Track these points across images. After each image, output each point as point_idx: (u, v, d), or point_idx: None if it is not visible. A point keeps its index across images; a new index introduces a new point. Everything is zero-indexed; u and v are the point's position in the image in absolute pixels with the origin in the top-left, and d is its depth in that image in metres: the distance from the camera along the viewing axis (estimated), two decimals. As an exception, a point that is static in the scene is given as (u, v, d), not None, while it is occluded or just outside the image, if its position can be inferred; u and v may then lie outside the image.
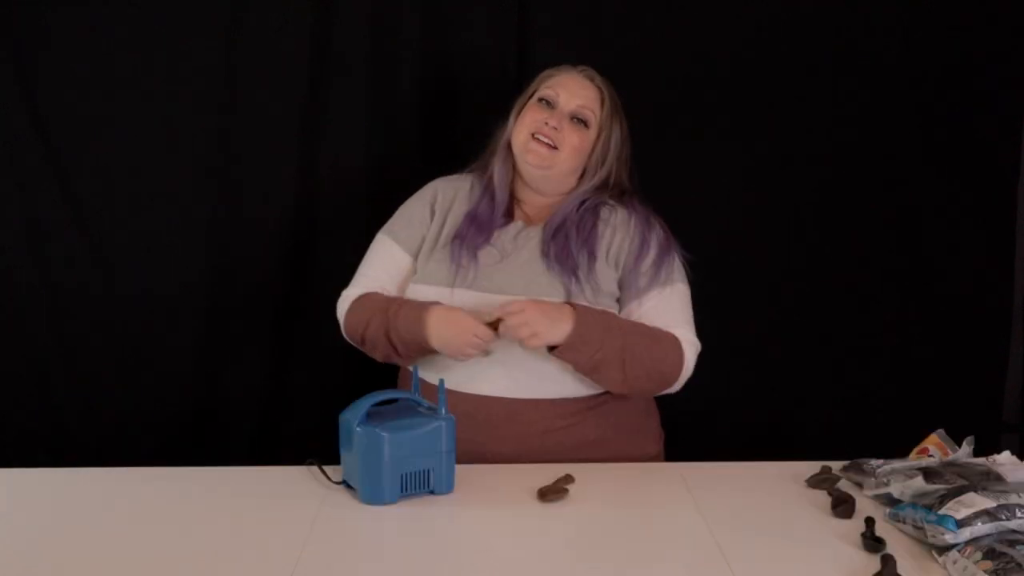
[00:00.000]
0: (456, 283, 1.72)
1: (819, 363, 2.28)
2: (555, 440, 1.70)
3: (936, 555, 1.31)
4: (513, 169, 1.83)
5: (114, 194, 2.13)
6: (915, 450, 1.64)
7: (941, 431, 1.65)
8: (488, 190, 1.82)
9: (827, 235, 2.25)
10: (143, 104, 2.10)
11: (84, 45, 2.08)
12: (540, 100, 1.80)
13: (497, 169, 1.82)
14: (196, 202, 2.15)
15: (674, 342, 1.72)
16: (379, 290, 1.79)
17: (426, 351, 1.69)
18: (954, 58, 2.21)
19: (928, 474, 1.43)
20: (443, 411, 1.53)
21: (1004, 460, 1.49)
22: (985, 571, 1.21)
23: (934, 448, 1.62)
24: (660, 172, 2.19)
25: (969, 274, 2.28)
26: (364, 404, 1.53)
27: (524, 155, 1.78)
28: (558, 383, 1.70)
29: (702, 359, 2.26)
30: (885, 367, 2.29)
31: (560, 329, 1.62)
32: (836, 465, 1.64)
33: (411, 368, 1.65)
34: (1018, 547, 1.24)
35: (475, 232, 1.76)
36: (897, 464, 1.54)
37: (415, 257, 1.81)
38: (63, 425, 2.18)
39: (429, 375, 1.69)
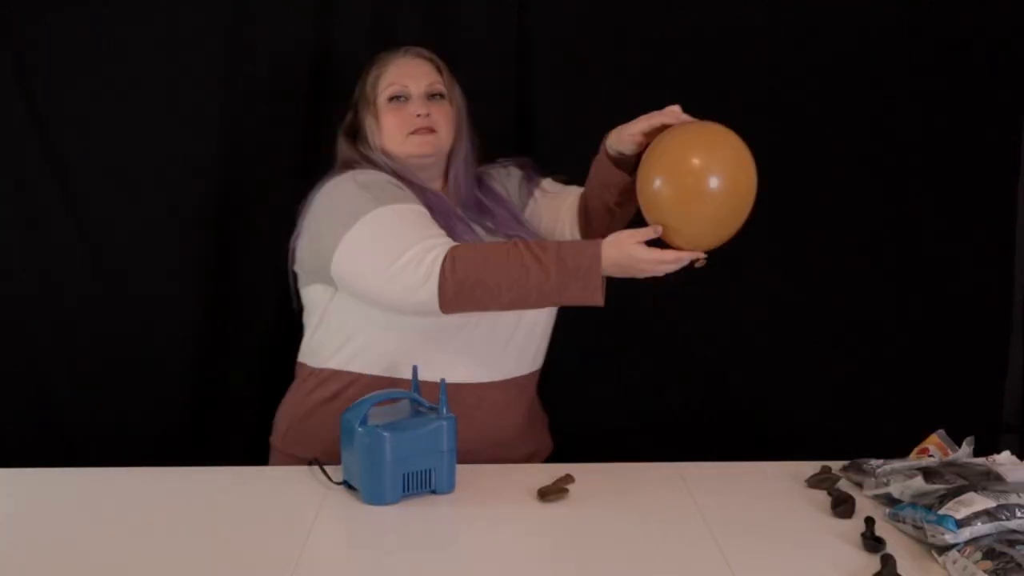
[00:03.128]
0: None
1: (819, 363, 2.28)
2: (524, 416, 1.80)
3: (936, 555, 1.31)
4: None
5: (114, 194, 2.12)
6: (915, 450, 1.64)
7: (941, 431, 1.65)
8: (409, 184, 1.76)
9: (827, 235, 2.25)
10: (143, 104, 2.10)
11: (84, 45, 2.07)
12: (391, 99, 1.78)
13: (402, 171, 1.77)
14: (196, 202, 2.15)
15: None
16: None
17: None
18: (954, 58, 2.21)
19: (928, 474, 1.43)
20: (444, 411, 1.53)
21: (1004, 460, 1.49)
22: (985, 571, 1.21)
23: (934, 448, 1.62)
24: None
25: (969, 274, 2.28)
26: (365, 404, 1.53)
27: (411, 151, 1.77)
28: (517, 363, 1.77)
29: (702, 359, 2.27)
30: (885, 367, 2.29)
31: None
32: (836, 465, 1.64)
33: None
34: (1018, 547, 1.24)
35: (455, 220, 1.76)
36: (897, 464, 1.54)
37: None
38: (63, 425, 2.18)
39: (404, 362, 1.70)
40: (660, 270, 1.55)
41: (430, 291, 1.57)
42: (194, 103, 2.11)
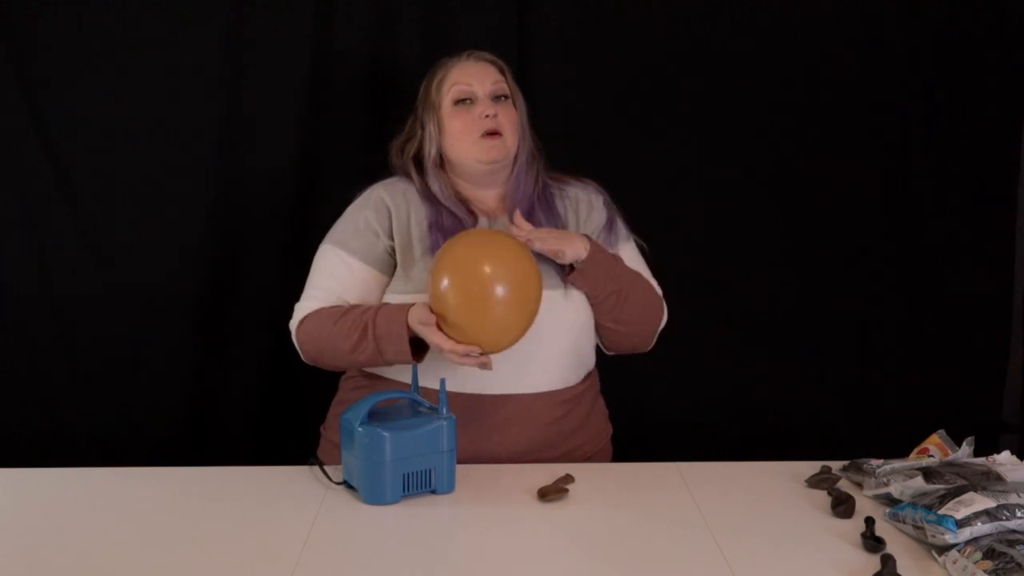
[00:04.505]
0: None
1: (819, 363, 2.28)
2: (556, 430, 1.71)
3: (936, 555, 1.31)
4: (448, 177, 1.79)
5: (114, 194, 2.12)
6: (915, 450, 1.64)
7: (941, 431, 1.65)
8: (433, 201, 1.75)
9: (827, 235, 2.25)
10: (143, 104, 2.10)
11: (84, 45, 2.08)
12: (457, 103, 1.75)
13: (436, 186, 1.76)
14: (196, 202, 2.15)
15: (657, 291, 1.81)
16: (336, 302, 1.71)
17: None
18: (954, 58, 2.21)
19: (928, 474, 1.43)
20: (444, 411, 1.53)
21: (1004, 460, 1.49)
22: (985, 571, 1.21)
23: (934, 448, 1.62)
24: (659, 170, 2.20)
25: (969, 274, 2.28)
26: (365, 404, 1.53)
27: (477, 155, 1.73)
28: (549, 374, 1.71)
29: (703, 359, 2.28)
30: (885, 367, 2.29)
31: (579, 246, 1.68)
32: (836, 465, 1.64)
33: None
34: (1018, 547, 1.24)
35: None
36: (897, 464, 1.54)
37: (373, 266, 1.72)
38: (63, 425, 2.18)
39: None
40: (448, 356, 1.57)
41: (299, 349, 1.76)
42: (195, 103, 2.12)
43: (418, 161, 1.79)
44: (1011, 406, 2.36)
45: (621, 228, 1.83)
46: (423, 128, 1.78)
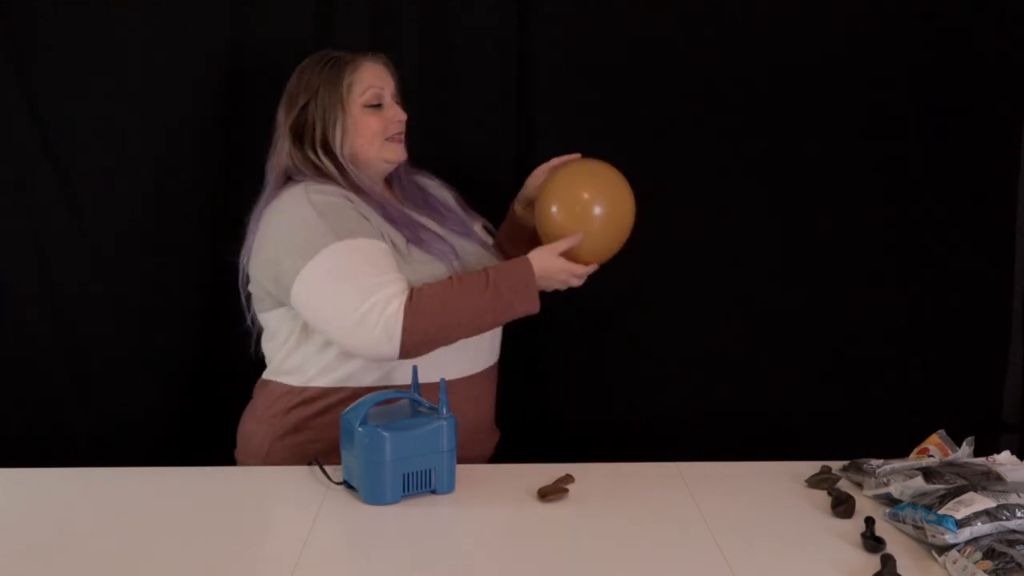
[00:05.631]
0: (456, 269, 1.73)
1: (819, 363, 2.28)
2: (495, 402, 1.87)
3: (936, 555, 1.31)
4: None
5: (114, 194, 2.12)
6: (915, 450, 1.64)
7: (941, 431, 1.65)
8: (365, 195, 1.75)
9: (827, 235, 2.25)
10: (143, 104, 2.10)
11: (84, 45, 2.07)
12: (368, 105, 1.78)
13: (364, 181, 1.76)
14: (197, 202, 2.15)
15: None
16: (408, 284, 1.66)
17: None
18: (954, 58, 2.21)
19: (928, 474, 1.43)
20: (444, 411, 1.53)
21: (1004, 460, 1.49)
22: (985, 571, 1.21)
23: (934, 448, 1.62)
24: (659, 169, 2.20)
25: (969, 274, 2.28)
26: (365, 404, 1.53)
27: (386, 156, 1.80)
28: (491, 353, 1.85)
29: (703, 359, 2.27)
30: (885, 367, 2.29)
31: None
32: (836, 465, 1.64)
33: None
34: (1018, 547, 1.24)
35: (416, 225, 1.77)
36: (897, 464, 1.54)
37: (388, 244, 1.70)
38: (63, 425, 2.18)
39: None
40: (571, 282, 1.72)
41: (393, 348, 1.60)
42: (195, 103, 2.12)
43: (329, 156, 1.77)
44: (1011, 406, 2.35)
45: None
46: (325, 123, 1.76)
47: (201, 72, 2.11)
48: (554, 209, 1.73)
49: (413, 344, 1.61)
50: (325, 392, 1.73)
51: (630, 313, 2.25)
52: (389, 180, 1.88)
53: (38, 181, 2.10)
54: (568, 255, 1.71)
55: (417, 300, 1.61)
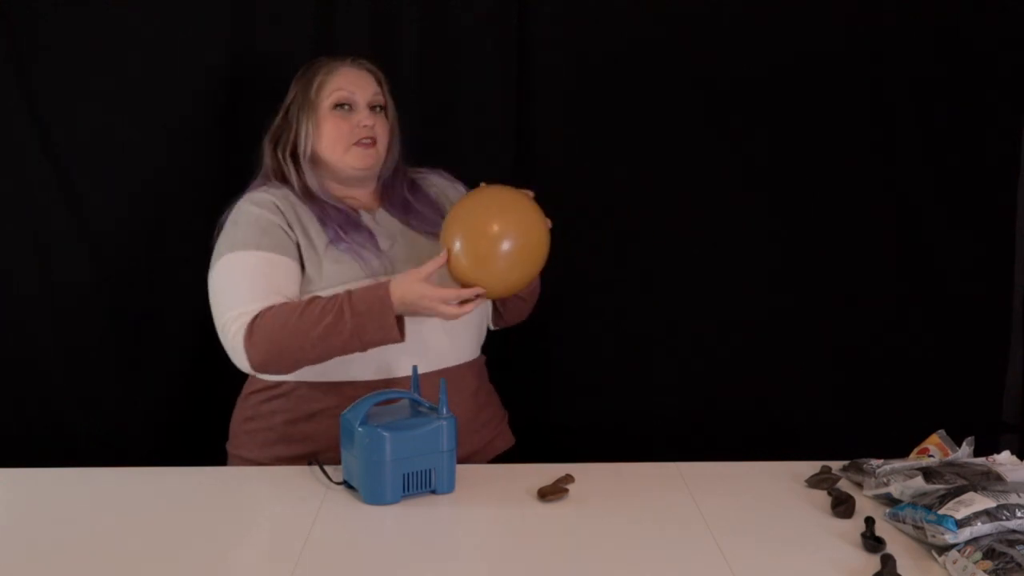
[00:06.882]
0: (373, 273, 1.71)
1: (819, 363, 2.28)
2: (484, 397, 1.85)
3: (936, 555, 1.31)
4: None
5: (114, 194, 2.12)
6: (915, 450, 1.64)
7: (941, 431, 1.65)
8: (314, 198, 1.78)
9: (827, 234, 2.25)
10: (143, 104, 2.10)
11: (84, 46, 2.07)
12: (336, 107, 1.79)
13: (313, 184, 1.79)
14: (197, 202, 2.14)
15: None
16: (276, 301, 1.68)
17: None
18: (954, 58, 2.21)
19: (928, 474, 1.43)
20: (444, 411, 1.53)
21: (1004, 460, 1.49)
22: (985, 571, 1.21)
23: (934, 448, 1.62)
24: (659, 168, 2.20)
25: (969, 274, 2.28)
26: (365, 404, 1.53)
27: (351, 162, 1.79)
28: (474, 344, 1.84)
29: (703, 359, 2.27)
30: (885, 367, 2.29)
31: None
32: (836, 465, 1.64)
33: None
34: (1018, 547, 1.24)
35: (351, 229, 1.76)
36: (897, 464, 1.54)
37: (293, 259, 1.72)
38: (63, 425, 2.18)
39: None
40: (440, 309, 1.61)
41: (240, 360, 1.69)
42: (195, 103, 2.12)
43: (294, 159, 1.81)
44: (1011, 406, 2.35)
45: None
46: (298, 125, 1.80)
47: (201, 72, 2.11)
48: (457, 245, 1.62)
49: (259, 362, 1.68)
50: (275, 384, 1.78)
51: (630, 313, 2.25)
52: (382, 180, 1.88)
53: (38, 181, 2.10)
54: (461, 278, 1.62)
55: (259, 322, 1.65)
